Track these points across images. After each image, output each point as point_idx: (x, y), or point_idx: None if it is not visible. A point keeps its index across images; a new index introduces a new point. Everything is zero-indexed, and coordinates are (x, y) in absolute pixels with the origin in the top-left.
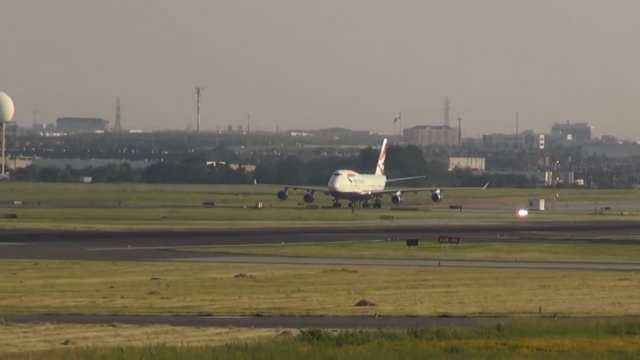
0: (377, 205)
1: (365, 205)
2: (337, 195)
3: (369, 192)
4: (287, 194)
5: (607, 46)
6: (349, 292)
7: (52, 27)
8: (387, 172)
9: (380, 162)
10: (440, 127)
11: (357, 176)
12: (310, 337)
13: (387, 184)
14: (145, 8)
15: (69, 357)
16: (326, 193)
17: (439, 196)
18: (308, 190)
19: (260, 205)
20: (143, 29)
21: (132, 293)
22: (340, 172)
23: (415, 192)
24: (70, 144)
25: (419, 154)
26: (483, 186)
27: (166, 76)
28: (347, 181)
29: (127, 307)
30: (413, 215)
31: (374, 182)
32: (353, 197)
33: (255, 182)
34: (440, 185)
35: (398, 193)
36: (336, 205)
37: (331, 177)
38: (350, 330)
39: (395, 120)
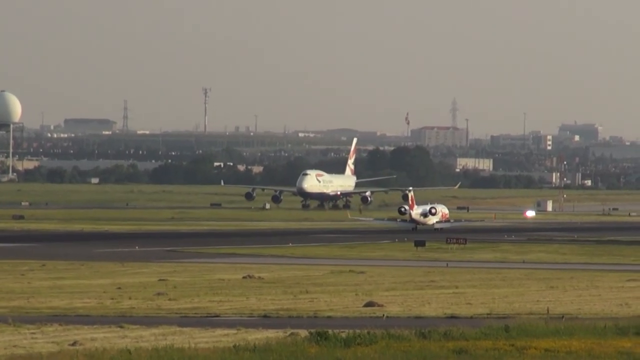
0: (347, 206)
1: (335, 206)
2: (305, 195)
3: (338, 193)
4: (254, 194)
5: (615, 47)
6: (356, 293)
7: (60, 28)
8: (394, 172)
9: (350, 161)
10: (447, 128)
11: (326, 176)
12: (318, 338)
13: (357, 184)
14: (153, 9)
15: (77, 358)
16: (294, 194)
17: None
18: (276, 190)
19: (267, 206)
20: (150, 30)
21: (140, 294)
22: (308, 172)
23: (386, 192)
24: (78, 145)
25: (426, 154)
26: (455, 185)
27: (174, 77)
28: (315, 181)
29: (134, 308)
30: None
31: (343, 183)
32: (321, 197)
33: (222, 183)
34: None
35: (368, 193)
36: (305, 206)
37: (299, 177)
38: (358, 332)
39: (407, 122)
